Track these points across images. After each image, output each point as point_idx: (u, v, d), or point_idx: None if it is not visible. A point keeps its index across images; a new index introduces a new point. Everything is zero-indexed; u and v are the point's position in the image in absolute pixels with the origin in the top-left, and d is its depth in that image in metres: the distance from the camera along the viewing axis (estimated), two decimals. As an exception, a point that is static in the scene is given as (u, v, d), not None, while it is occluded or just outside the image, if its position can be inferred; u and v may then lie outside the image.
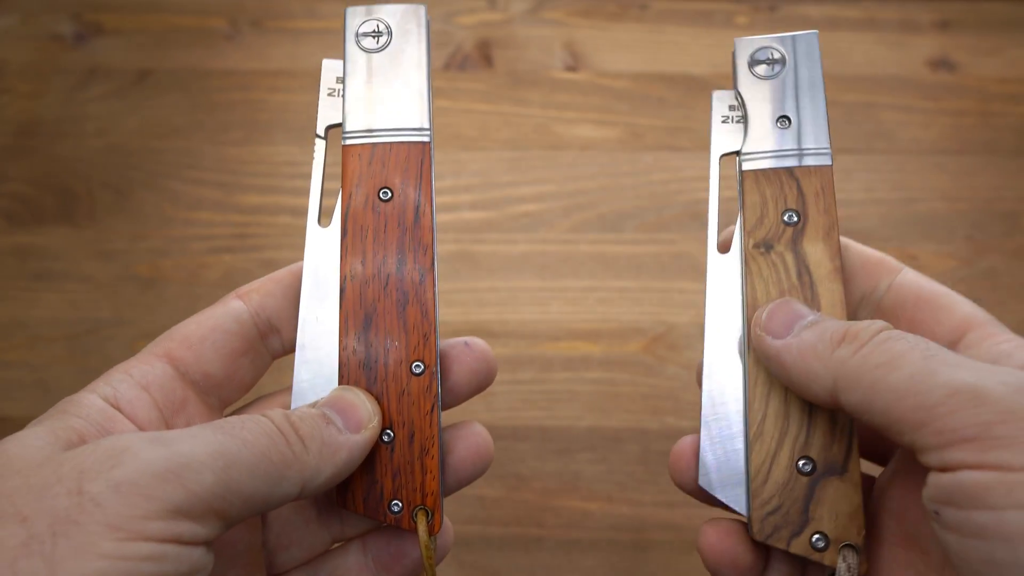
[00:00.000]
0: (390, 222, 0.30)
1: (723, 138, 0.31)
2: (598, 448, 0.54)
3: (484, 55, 0.67)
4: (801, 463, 0.28)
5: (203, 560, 0.23)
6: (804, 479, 0.28)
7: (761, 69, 0.31)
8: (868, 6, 0.69)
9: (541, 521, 0.52)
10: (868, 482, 0.30)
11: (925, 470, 0.23)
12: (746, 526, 0.28)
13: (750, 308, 0.29)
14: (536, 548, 0.51)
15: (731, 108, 0.31)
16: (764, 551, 0.29)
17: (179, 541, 0.22)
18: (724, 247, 0.31)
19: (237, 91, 0.65)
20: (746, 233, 0.30)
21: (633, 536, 0.51)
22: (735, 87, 0.31)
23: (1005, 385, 0.22)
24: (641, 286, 0.58)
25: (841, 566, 0.27)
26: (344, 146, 0.30)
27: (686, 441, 0.29)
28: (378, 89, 0.31)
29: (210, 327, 0.29)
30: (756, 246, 0.30)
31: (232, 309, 0.29)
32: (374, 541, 0.30)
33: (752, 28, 0.68)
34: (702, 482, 0.29)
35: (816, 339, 0.26)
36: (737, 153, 0.31)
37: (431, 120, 0.31)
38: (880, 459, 0.30)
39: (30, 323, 0.58)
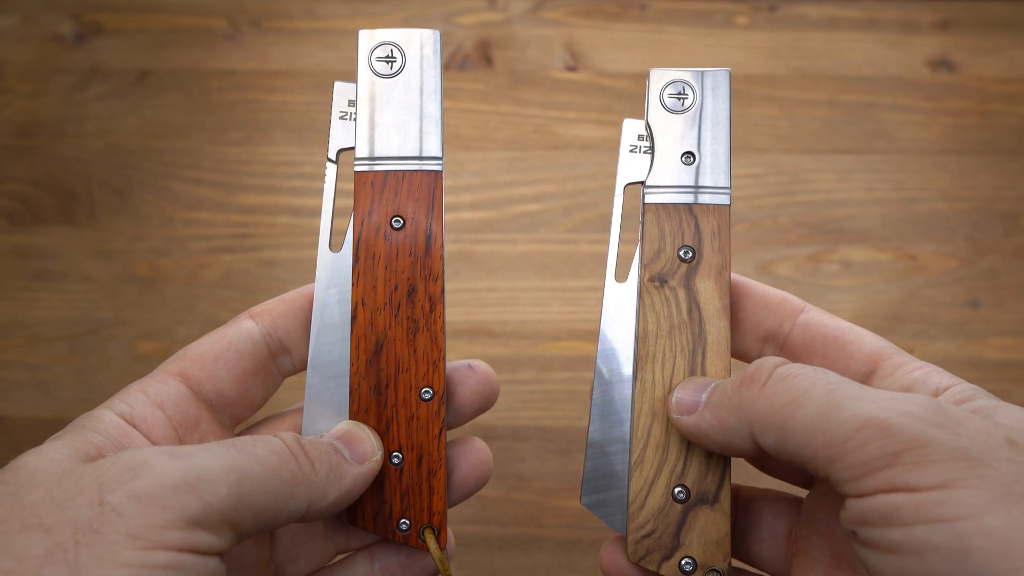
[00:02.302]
0: (402, 251, 0.30)
1: (630, 167, 0.31)
2: (598, 448, 0.54)
3: (484, 55, 0.67)
4: (676, 491, 0.29)
5: (217, 571, 0.24)
6: (678, 506, 0.29)
7: (672, 102, 0.31)
8: (868, 6, 0.69)
9: (541, 521, 0.52)
10: (795, 504, 0.31)
11: (843, 496, 0.25)
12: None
13: (641, 339, 0.30)
14: (536, 548, 0.51)
15: (640, 138, 0.31)
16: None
17: (195, 551, 0.23)
18: (622, 277, 0.32)
19: (237, 91, 0.65)
20: (643, 266, 0.31)
21: (633, 536, 0.51)
22: (645, 118, 0.31)
23: (907, 415, 0.23)
24: (641, 286, 0.58)
25: None
26: (356, 172, 0.31)
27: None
28: (391, 115, 0.31)
29: (223, 347, 0.30)
30: (651, 279, 0.31)
31: (245, 330, 0.30)
32: (382, 552, 0.31)
33: (752, 28, 0.68)
34: (584, 501, 0.30)
35: (720, 396, 0.27)
36: (642, 183, 0.31)
37: (442, 149, 0.31)
38: (806, 482, 0.31)
39: (30, 323, 0.58)
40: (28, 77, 0.66)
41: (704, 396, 0.28)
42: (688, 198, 0.31)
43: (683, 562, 0.29)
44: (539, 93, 0.65)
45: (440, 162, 0.31)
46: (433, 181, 0.31)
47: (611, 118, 0.64)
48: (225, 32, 0.68)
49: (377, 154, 0.31)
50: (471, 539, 0.51)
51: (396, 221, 0.30)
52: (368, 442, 0.29)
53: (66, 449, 0.25)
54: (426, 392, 0.30)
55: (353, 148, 0.31)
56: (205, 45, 0.67)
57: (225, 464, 0.24)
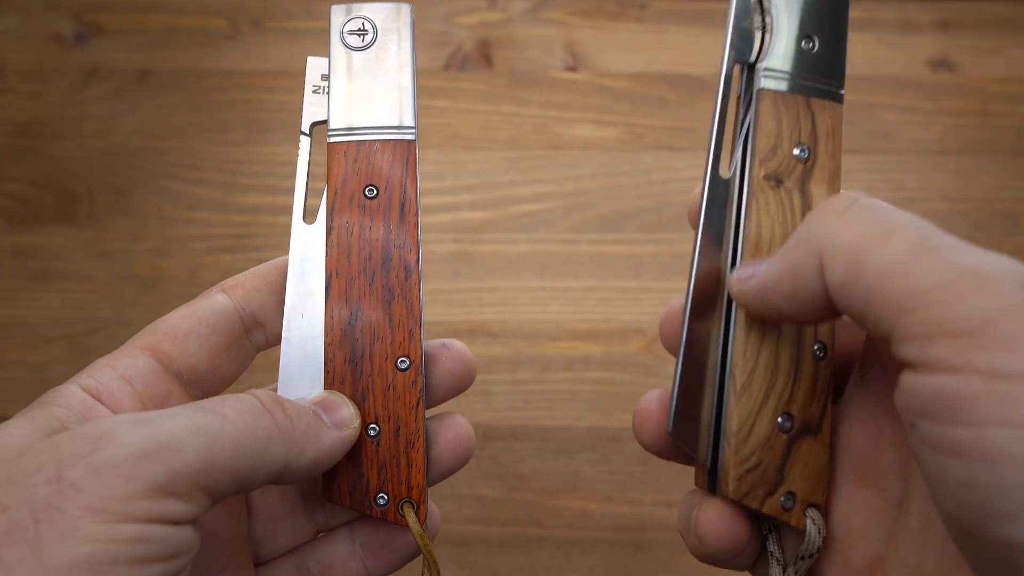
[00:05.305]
0: (376, 219, 0.30)
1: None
2: (598, 448, 0.54)
3: (484, 55, 0.67)
4: (781, 420, 0.26)
5: (190, 540, 0.23)
6: (783, 437, 0.26)
7: None
8: (868, 6, 0.69)
9: (541, 521, 0.52)
10: None
11: (897, 369, 0.21)
12: (707, 484, 0.26)
13: (752, 244, 0.26)
14: (536, 548, 0.51)
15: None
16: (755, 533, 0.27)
17: (165, 521, 0.22)
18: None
19: (236, 91, 0.65)
20: (758, 160, 0.26)
21: (633, 536, 0.51)
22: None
23: (1014, 275, 0.19)
24: (641, 286, 0.58)
25: (812, 528, 0.25)
26: (329, 143, 0.31)
27: (652, 396, 0.28)
28: (364, 87, 0.31)
29: (195, 320, 0.29)
30: (767, 177, 0.26)
31: (217, 303, 0.29)
32: (362, 529, 0.31)
33: (752, 28, 0.68)
34: (672, 431, 0.26)
35: (789, 240, 0.24)
36: (750, 65, 0.27)
37: (416, 118, 0.31)
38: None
39: (30, 323, 0.58)
40: (28, 77, 0.66)
41: (767, 260, 0.25)
42: (806, 90, 0.27)
43: (783, 498, 0.25)
44: (539, 93, 0.65)
45: (413, 131, 0.30)
46: (407, 150, 0.30)
47: (611, 118, 0.64)
48: (225, 32, 0.68)
49: (350, 125, 0.31)
50: (471, 539, 0.51)
51: (370, 190, 0.30)
52: (346, 409, 0.28)
53: (27, 425, 0.24)
54: (402, 361, 0.29)
55: (326, 121, 0.31)
56: (205, 45, 0.67)
57: (192, 427, 0.23)
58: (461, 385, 0.31)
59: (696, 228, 0.27)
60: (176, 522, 0.22)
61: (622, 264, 0.59)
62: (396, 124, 0.31)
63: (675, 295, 0.62)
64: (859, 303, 0.21)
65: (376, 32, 0.31)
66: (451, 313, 0.58)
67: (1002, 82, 0.66)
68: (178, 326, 0.29)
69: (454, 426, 0.30)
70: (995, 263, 0.19)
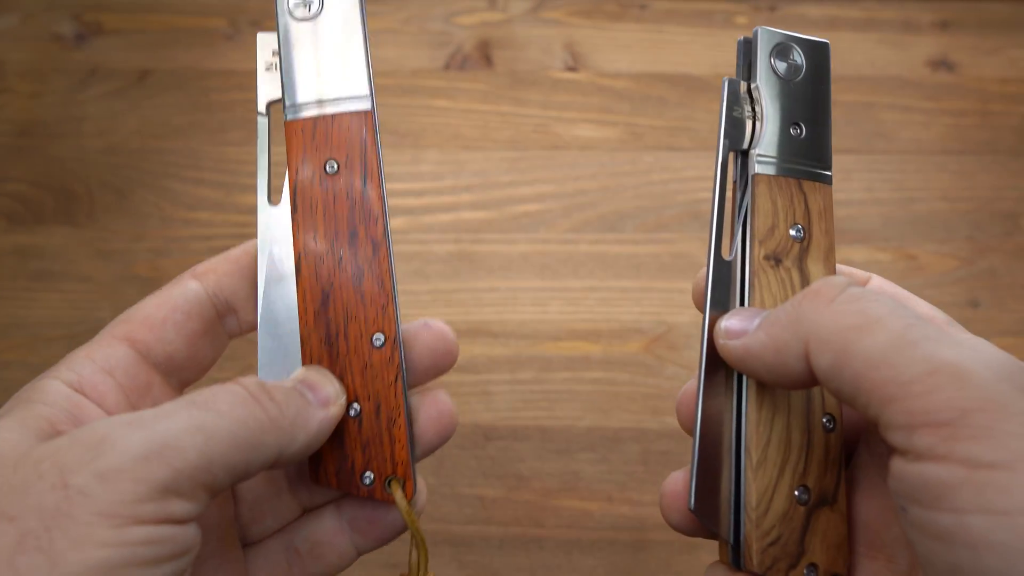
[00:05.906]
0: (338, 196, 0.30)
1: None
2: (598, 448, 0.54)
3: (484, 55, 0.67)
4: (798, 492, 0.27)
5: (195, 537, 0.23)
6: (801, 509, 0.27)
7: (782, 67, 0.29)
8: (868, 6, 0.69)
9: (541, 521, 0.52)
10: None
11: (888, 453, 0.22)
12: (729, 555, 0.27)
13: None
14: (536, 548, 0.51)
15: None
16: None
17: (172, 520, 0.22)
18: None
19: (237, 91, 0.65)
20: (757, 241, 0.28)
21: (633, 536, 0.51)
22: (750, 79, 0.29)
23: (989, 369, 0.20)
24: (641, 286, 0.58)
25: None
26: (286, 122, 0.30)
27: (677, 478, 0.28)
28: (314, 59, 0.30)
29: (170, 308, 0.29)
30: (767, 258, 0.28)
31: (190, 290, 0.29)
32: (349, 506, 0.30)
33: (752, 28, 0.68)
34: (694, 509, 0.27)
35: (776, 315, 0.25)
36: (743, 152, 0.29)
37: (372, 86, 0.30)
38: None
39: (30, 323, 0.58)
40: (28, 77, 0.66)
41: (756, 321, 0.25)
42: (797, 174, 0.29)
43: (806, 570, 0.26)
44: (539, 93, 0.65)
45: (369, 99, 0.30)
46: (363, 120, 0.30)
47: (611, 118, 0.64)
48: (225, 32, 0.68)
49: (303, 100, 0.30)
50: (471, 539, 0.51)
51: (330, 166, 0.30)
52: (330, 386, 0.28)
53: (17, 428, 0.23)
54: (377, 338, 0.29)
55: (281, 100, 0.30)
56: (205, 45, 0.67)
57: (189, 426, 0.23)
58: (442, 364, 0.30)
59: (703, 309, 0.28)
60: (182, 521, 0.22)
61: (622, 264, 0.59)
62: (350, 94, 0.30)
63: (676, 295, 0.62)
64: (848, 388, 0.22)
65: (323, 1, 0.30)
66: (451, 313, 0.58)
67: (1002, 82, 0.66)
68: (153, 314, 0.29)
69: (435, 403, 0.30)
70: (972, 355, 0.20)
